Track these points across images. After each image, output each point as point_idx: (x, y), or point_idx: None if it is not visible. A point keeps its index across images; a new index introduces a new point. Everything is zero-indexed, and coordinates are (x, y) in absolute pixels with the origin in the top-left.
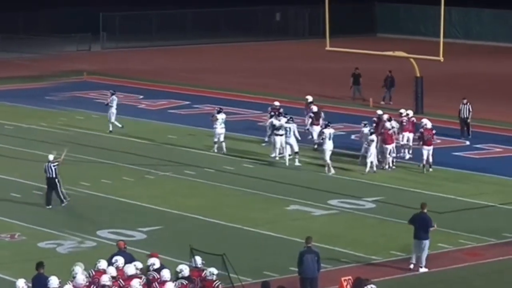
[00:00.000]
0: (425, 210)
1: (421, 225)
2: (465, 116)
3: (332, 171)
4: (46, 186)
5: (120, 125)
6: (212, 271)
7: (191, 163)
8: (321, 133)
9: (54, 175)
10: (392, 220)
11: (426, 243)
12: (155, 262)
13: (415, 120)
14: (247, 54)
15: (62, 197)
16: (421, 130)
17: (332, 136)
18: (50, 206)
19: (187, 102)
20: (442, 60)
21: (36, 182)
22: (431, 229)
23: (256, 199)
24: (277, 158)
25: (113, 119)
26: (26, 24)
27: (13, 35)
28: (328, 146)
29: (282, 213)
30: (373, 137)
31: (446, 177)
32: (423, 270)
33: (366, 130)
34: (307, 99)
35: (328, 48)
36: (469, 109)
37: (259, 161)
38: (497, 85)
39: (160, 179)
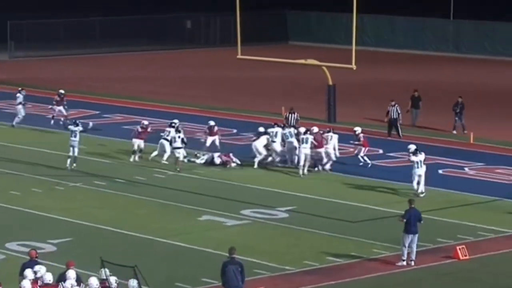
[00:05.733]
0: (413, 205)
1: (414, 220)
2: (394, 117)
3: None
4: None
5: None
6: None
7: (101, 174)
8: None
9: None
10: (305, 229)
11: (417, 236)
12: (70, 274)
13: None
14: (157, 63)
15: None
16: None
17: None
18: None
19: (97, 112)
20: (354, 68)
21: None
22: (422, 222)
23: (168, 209)
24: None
25: None
26: None
27: None
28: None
29: (194, 224)
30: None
31: (360, 186)
32: (413, 264)
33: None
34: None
35: (239, 56)
36: (397, 110)
37: (170, 171)
38: (410, 93)
39: (70, 190)
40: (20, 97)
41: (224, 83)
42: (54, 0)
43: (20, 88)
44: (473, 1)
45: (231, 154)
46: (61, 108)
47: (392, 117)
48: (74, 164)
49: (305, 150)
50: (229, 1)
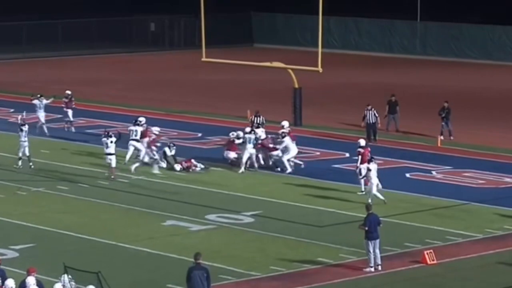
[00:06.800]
0: (371, 211)
1: (374, 225)
2: (372, 121)
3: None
4: None
5: None
6: None
7: (64, 178)
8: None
9: None
10: (271, 234)
11: (379, 241)
12: (29, 281)
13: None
14: (121, 66)
15: None
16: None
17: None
18: None
19: (60, 116)
20: (321, 71)
21: None
22: (381, 226)
23: (132, 214)
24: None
25: None
26: None
27: None
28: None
29: (159, 229)
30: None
31: (326, 190)
32: (379, 268)
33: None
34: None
35: (204, 59)
36: (375, 114)
37: (134, 176)
38: (377, 95)
39: (33, 195)
40: (38, 103)
41: (189, 86)
42: (15, 2)
43: (39, 95)
44: (440, 3)
45: (192, 160)
46: (70, 111)
47: (370, 121)
48: (31, 164)
49: (250, 150)
50: (194, 3)
